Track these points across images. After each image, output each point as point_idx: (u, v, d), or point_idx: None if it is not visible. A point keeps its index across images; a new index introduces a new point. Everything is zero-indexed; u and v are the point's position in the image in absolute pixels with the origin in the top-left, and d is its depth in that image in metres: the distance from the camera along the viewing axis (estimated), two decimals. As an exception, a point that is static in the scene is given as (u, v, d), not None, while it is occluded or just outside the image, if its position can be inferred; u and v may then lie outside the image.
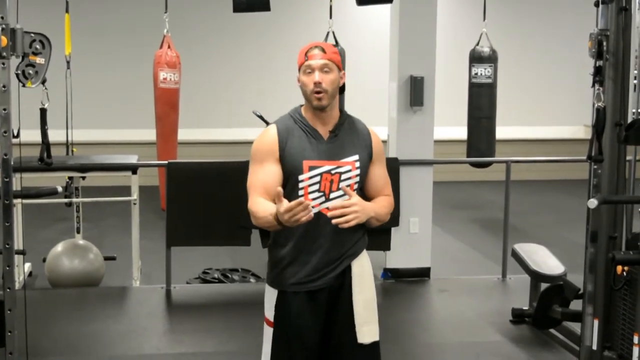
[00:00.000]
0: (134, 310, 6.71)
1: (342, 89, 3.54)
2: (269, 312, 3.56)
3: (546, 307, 5.89)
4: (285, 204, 3.18)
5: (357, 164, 3.49)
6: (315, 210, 3.37)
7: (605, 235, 4.65)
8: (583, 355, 4.77)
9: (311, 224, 3.33)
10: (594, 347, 4.70)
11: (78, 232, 7.89)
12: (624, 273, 4.51)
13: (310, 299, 3.50)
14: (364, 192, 3.58)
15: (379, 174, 3.60)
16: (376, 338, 3.57)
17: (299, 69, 3.50)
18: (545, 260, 6.29)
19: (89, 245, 7.50)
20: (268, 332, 3.58)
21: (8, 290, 4.18)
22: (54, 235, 8.52)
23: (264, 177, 3.46)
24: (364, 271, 3.56)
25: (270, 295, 3.56)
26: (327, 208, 3.37)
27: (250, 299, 6.95)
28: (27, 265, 7.66)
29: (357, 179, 3.49)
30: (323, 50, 3.47)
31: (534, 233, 9.29)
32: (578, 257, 4.96)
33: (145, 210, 7.81)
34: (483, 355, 5.70)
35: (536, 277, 6.18)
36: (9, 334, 4.19)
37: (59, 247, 7.38)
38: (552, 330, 5.98)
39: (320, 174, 3.45)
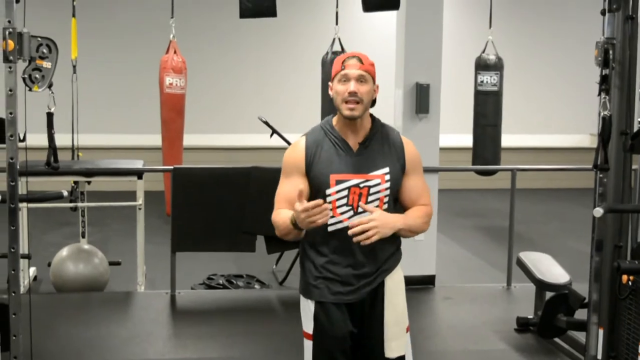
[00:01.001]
0: (138, 315, 6.71)
1: (373, 102, 3.51)
2: (308, 324, 3.52)
3: (551, 316, 5.89)
4: (304, 203, 3.19)
5: (387, 177, 3.44)
6: (345, 224, 3.36)
7: (611, 244, 4.64)
8: (588, 364, 4.77)
9: (345, 238, 3.34)
10: (599, 357, 4.69)
11: (83, 236, 7.90)
12: (629, 282, 4.51)
13: (348, 311, 3.49)
14: (400, 203, 3.56)
15: (413, 185, 3.55)
16: (402, 353, 3.55)
17: (334, 78, 3.45)
18: (551, 269, 6.29)
19: (93, 249, 7.51)
20: (308, 346, 3.52)
21: (13, 294, 4.19)
22: (59, 239, 8.54)
23: (289, 190, 3.45)
24: (397, 287, 3.55)
25: (308, 309, 3.53)
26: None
27: (255, 306, 6.96)
28: (32, 270, 7.67)
29: (387, 192, 3.44)
30: (360, 61, 3.43)
31: (539, 241, 9.29)
32: (583, 266, 4.96)
33: (150, 215, 7.82)
34: (487, 364, 5.70)
35: (541, 286, 6.17)
36: (14, 338, 4.20)
37: (64, 252, 7.39)
38: (557, 340, 5.97)
39: (348, 188, 3.41)
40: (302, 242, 3.54)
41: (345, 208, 3.41)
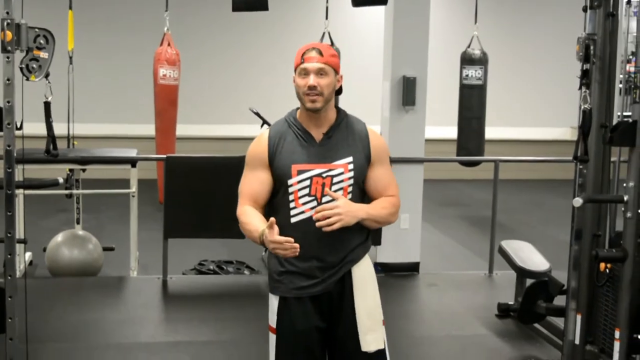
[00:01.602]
0: (131, 299, 6.71)
1: (338, 91, 3.41)
2: (272, 319, 3.43)
3: (531, 302, 5.91)
4: (275, 233, 3.11)
5: (351, 167, 3.33)
6: (307, 215, 3.29)
7: (590, 233, 4.66)
8: (566, 349, 4.79)
9: (307, 230, 3.26)
10: (577, 342, 4.71)
11: (78, 222, 7.90)
12: (607, 270, 4.53)
13: (312, 304, 3.37)
14: (367, 194, 3.45)
15: (379, 176, 3.43)
16: (381, 346, 3.41)
17: (295, 70, 3.35)
18: (531, 257, 6.31)
19: (88, 235, 7.51)
20: (272, 340, 3.45)
21: (9, 278, 4.19)
22: (55, 225, 8.53)
23: (252, 185, 3.39)
24: (365, 277, 3.41)
25: (273, 303, 3.44)
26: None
27: (245, 291, 6.98)
28: (28, 254, 7.66)
29: (351, 181, 3.33)
30: (320, 53, 3.32)
31: (520, 230, 9.32)
32: (563, 254, 4.98)
33: (143, 203, 7.81)
34: (469, 348, 5.72)
35: (522, 273, 6.19)
36: (10, 320, 4.20)
37: (59, 237, 7.38)
38: (537, 325, 5.99)
39: (310, 178, 3.31)
40: None
41: (307, 198, 3.32)
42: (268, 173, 3.36)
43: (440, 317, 6.47)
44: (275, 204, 3.38)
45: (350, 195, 3.33)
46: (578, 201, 4.47)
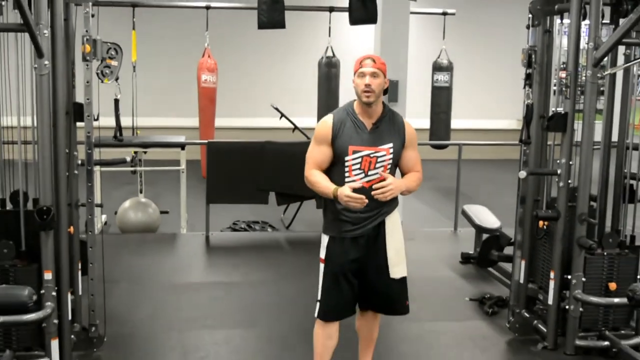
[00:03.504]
0: (181, 250, 6.74)
1: (385, 91, 3.51)
2: (322, 252, 3.54)
3: (486, 251, 5.93)
4: (351, 190, 3.30)
5: (391, 150, 3.45)
6: (358, 183, 3.40)
7: (531, 198, 4.66)
8: (513, 286, 4.80)
9: (357, 192, 3.35)
10: (521, 281, 4.73)
11: (141, 192, 7.92)
12: (544, 227, 4.54)
13: (353, 243, 3.49)
14: (399, 168, 3.58)
15: (409, 156, 3.55)
16: (404, 274, 3.60)
17: (355, 73, 3.46)
18: (486, 217, 6.32)
19: (148, 202, 7.55)
20: (321, 268, 3.54)
21: (90, 233, 4.21)
22: (123, 194, 8.55)
23: (318, 155, 3.48)
24: (395, 225, 3.55)
25: (324, 240, 3.55)
26: (366, 182, 3.40)
27: (268, 244, 7.00)
28: (104, 216, 7.71)
29: (391, 161, 3.46)
30: (374, 61, 3.44)
31: (478, 198, 9.32)
32: (510, 215, 4.98)
33: (190, 177, 7.83)
34: (440, 287, 5.74)
35: (479, 230, 6.21)
36: (91, 265, 4.22)
37: (127, 203, 7.42)
38: (491, 269, 6.02)
39: (362, 157, 3.43)
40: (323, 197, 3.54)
41: (358, 171, 3.43)
42: (330, 149, 3.47)
43: (418, 263, 6.47)
44: (332, 172, 3.49)
45: (389, 170, 3.47)
46: (522, 174, 4.48)
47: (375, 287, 3.56)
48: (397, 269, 3.55)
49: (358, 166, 3.43)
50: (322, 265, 3.55)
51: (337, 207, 3.46)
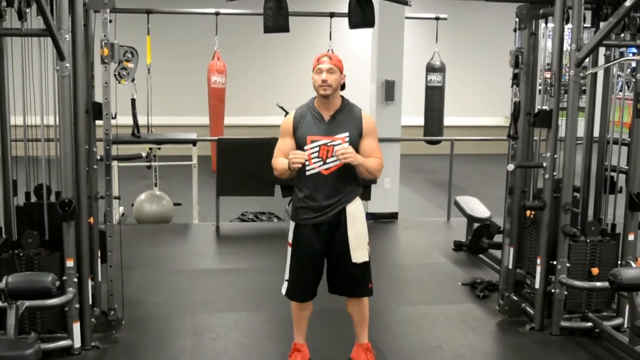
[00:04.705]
0: (193, 239, 6.75)
1: (343, 86, 3.61)
2: (290, 237, 3.66)
3: (477, 239, 5.94)
4: (295, 152, 3.47)
5: (347, 139, 3.53)
6: (316, 170, 3.51)
7: (519, 189, 4.66)
8: (502, 272, 4.81)
9: (316, 179, 3.49)
10: (510, 267, 4.74)
11: (155, 186, 7.91)
12: (531, 216, 4.54)
13: (316, 229, 3.58)
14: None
15: (367, 144, 3.59)
16: (366, 259, 3.61)
17: (313, 70, 3.56)
18: (477, 207, 6.33)
19: (163, 194, 7.55)
20: (289, 251, 3.67)
21: (108, 223, 4.22)
22: (139, 187, 8.55)
23: (283, 147, 3.62)
24: (355, 212, 3.59)
25: (291, 226, 3.66)
26: (325, 169, 3.50)
27: (274, 233, 7.01)
28: (121, 208, 7.71)
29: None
30: (330, 58, 3.56)
31: (469, 189, 9.30)
32: (499, 205, 4.98)
33: (201, 172, 7.83)
34: (433, 272, 5.74)
35: (470, 219, 6.21)
36: (110, 253, 4.23)
37: (142, 196, 7.43)
38: (482, 256, 6.02)
39: (319, 146, 3.53)
40: (293, 185, 3.65)
41: (317, 159, 3.53)
42: (292, 140, 3.59)
43: (412, 250, 6.50)
44: None
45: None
46: (511, 167, 4.49)
47: (338, 271, 3.62)
48: (358, 253, 3.57)
49: (317, 154, 3.52)
50: (289, 249, 3.67)
51: (299, 196, 3.57)
